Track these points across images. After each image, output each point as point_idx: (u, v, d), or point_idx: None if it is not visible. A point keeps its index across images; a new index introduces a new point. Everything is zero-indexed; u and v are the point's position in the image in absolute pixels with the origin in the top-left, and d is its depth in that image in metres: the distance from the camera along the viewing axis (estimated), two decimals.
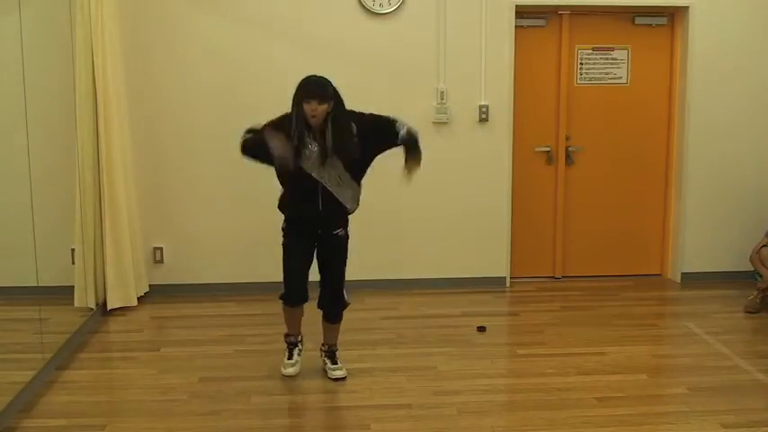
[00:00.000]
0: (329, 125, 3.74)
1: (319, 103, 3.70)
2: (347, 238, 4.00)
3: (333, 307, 4.02)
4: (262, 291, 5.28)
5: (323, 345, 4.15)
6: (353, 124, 3.79)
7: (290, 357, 4.09)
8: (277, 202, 3.96)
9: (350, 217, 4.02)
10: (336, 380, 4.01)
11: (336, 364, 4.08)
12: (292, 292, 3.94)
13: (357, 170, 3.87)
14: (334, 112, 3.74)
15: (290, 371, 4.04)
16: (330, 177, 3.78)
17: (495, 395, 3.89)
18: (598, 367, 4.22)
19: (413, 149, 3.79)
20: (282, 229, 3.96)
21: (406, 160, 3.79)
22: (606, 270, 6.05)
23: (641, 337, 4.74)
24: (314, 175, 3.75)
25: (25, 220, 4.23)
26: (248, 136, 3.79)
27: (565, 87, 5.82)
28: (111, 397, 3.92)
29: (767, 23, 5.74)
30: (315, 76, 3.80)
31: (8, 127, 4.52)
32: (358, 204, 3.95)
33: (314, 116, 3.70)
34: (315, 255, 3.98)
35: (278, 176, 3.87)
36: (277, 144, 3.65)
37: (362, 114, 3.85)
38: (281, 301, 4.00)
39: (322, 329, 4.10)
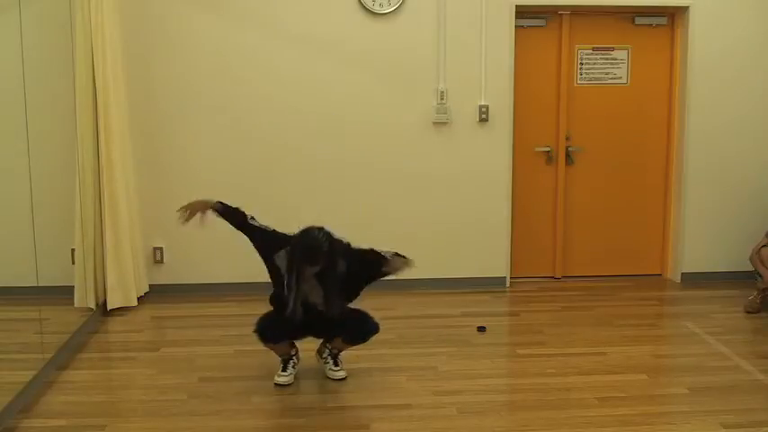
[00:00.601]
0: (319, 281, 3.77)
1: (311, 266, 3.71)
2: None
3: (363, 337, 4.01)
4: (262, 291, 5.26)
5: (329, 345, 4.12)
6: (345, 262, 3.81)
7: (284, 370, 4.03)
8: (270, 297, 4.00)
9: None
10: (337, 380, 4.02)
11: (338, 365, 4.08)
12: (267, 330, 3.91)
13: (349, 294, 3.93)
14: (325, 269, 3.74)
15: (283, 380, 3.98)
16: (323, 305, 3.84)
17: (495, 395, 3.89)
18: (598, 367, 4.22)
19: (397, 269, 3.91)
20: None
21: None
22: (606, 270, 6.05)
23: (641, 337, 4.74)
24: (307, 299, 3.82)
25: (25, 220, 4.23)
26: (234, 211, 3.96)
27: (565, 87, 5.83)
28: (111, 397, 3.92)
29: (767, 24, 5.75)
30: (312, 234, 3.74)
31: (8, 127, 4.52)
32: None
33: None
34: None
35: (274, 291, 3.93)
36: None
37: (351, 251, 3.87)
38: (256, 336, 3.94)
39: (337, 338, 4.08)
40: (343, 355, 4.15)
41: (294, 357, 4.07)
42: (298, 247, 3.73)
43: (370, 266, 3.90)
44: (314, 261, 3.69)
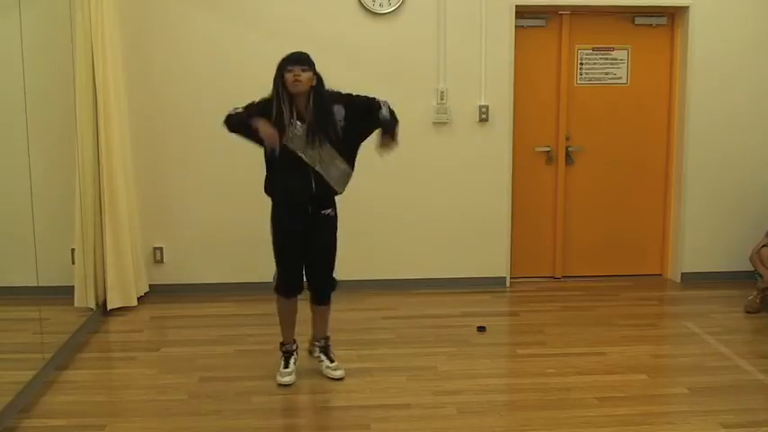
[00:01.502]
0: (311, 101, 3.76)
1: (302, 70, 3.71)
2: (336, 218, 3.97)
3: (323, 288, 4.00)
4: (262, 291, 5.26)
5: (315, 341, 4.13)
6: (342, 106, 3.82)
7: (286, 366, 4.02)
8: (264, 186, 3.93)
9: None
10: (336, 379, 4.01)
11: (333, 362, 4.07)
12: (289, 283, 3.94)
13: (347, 151, 3.87)
14: (316, 87, 3.77)
15: (287, 379, 3.97)
16: (318, 157, 3.78)
17: (495, 395, 3.89)
18: (598, 367, 4.22)
19: (390, 127, 3.84)
20: (272, 218, 3.95)
21: (382, 136, 3.85)
22: (606, 270, 6.05)
23: (641, 337, 4.74)
24: (301, 155, 3.76)
25: (25, 219, 4.23)
26: (234, 113, 3.85)
27: (565, 87, 5.82)
28: (111, 397, 3.92)
29: (767, 23, 5.75)
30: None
31: (8, 127, 4.52)
32: (344, 188, 3.93)
33: (296, 81, 3.70)
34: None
35: (266, 158, 3.86)
36: (263, 125, 3.70)
37: (350, 96, 3.89)
38: (276, 294, 3.99)
39: (311, 320, 4.09)
40: (343, 354, 4.15)
41: (296, 353, 4.07)
42: (282, 59, 3.76)
43: (365, 112, 3.86)
44: (300, 61, 3.71)
